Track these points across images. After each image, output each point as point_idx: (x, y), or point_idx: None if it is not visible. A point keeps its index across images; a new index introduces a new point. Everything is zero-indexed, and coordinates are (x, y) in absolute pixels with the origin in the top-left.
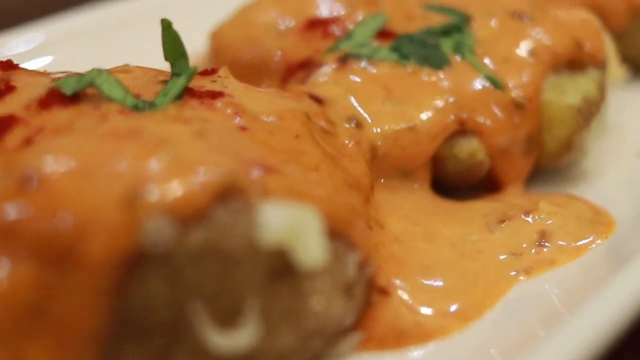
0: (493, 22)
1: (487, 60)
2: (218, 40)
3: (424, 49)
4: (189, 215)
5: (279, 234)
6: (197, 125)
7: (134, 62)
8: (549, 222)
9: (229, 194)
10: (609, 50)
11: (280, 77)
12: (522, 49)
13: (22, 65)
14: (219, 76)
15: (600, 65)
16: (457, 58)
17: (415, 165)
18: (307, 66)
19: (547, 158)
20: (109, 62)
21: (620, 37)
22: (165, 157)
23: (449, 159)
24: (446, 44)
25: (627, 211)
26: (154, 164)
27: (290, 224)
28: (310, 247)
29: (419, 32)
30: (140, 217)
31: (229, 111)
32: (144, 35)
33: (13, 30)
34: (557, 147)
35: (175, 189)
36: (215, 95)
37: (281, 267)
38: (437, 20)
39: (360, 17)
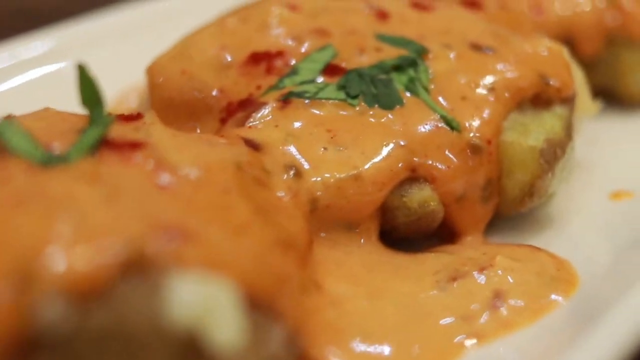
0: (451, 55)
1: (442, 98)
2: (153, 76)
3: (374, 86)
4: (89, 293)
5: (191, 311)
6: (109, 185)
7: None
8: (505, 280)
9: (136, 267)
10: (579, 82)
11: (219, 118)
12: (482, 85)
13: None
14: (144, 122)
15: (568, 100)
16: (410, 96)
17: (361, 216)
18: (247, 106)
19: (508, 204)
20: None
21: (593, 66)
22: (66, 225)
23: (398, 208)
24: (399, 81)
25: (594, 263)
26: (53, 234)
27: (203, 300)
28: (226, 325)
29: (370, 67)
30: (33, 297)
31: (148, 166)
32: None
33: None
34: (519, 192)
35: (75, 263)
36: (136, 146)
37: (193, 350)
38: (391, 53)
39: (308, 50)
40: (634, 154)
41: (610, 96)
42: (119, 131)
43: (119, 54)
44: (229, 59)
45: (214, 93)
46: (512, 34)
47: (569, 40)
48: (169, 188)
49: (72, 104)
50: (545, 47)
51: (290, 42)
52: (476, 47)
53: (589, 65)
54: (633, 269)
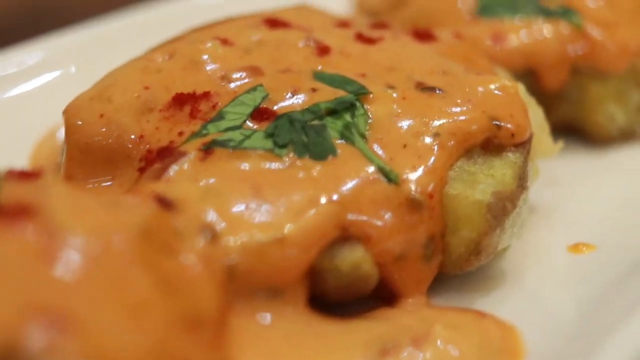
0: (394, 96)
1: (381, 147)
2: (70, 118)
3: (305, 134)
4: None
5: None
6: None
7: None
8: (443, 354)
9: None
10: (538, 122)
11: (138, 167)
12: (426, 131)
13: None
14: (43, 182)
15: (523, 145)
16: (345, 144)
17: (286, 281)
18: (166, 155)
19: (453, 263)
20: None
21: (558, 98)
22: None
23: (328, 272)
24: (333, 127)
25: (551, 324)
26: None
27: None
28: None
29: (303, 111)
30: None
31: (36, 238)
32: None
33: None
34: (464, 250)
35: None
36: (25, 212)
37: None
38: (327, 94)
39: (237, 90)
40: (599, 198)
41: (577, 131)
42: (9, 192)
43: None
44: (152, 101)
45: (133, 139)
46: (464, 71)
47: (532, 71)
48: (58, 264)
49: None
50: (499, 85)
51: (218, 82)
52: (422, 87)
53: (553, 98)
54: (596, 330)
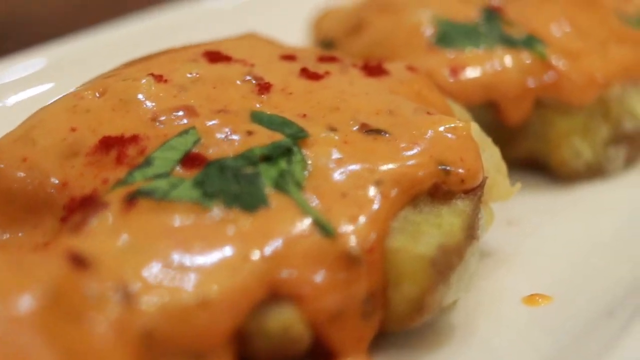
0: (336, 140)
1: (319, 196)
2: None
3: (237, 183)
4: None
5: None
6: None
7: None
8: None
9: None
10: (495, 162)
11: (60, 216)
12: (368, 178)
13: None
14: None
15: (474, 191)
16: (280, 194)
17: (210, 346)
18: (87, 205)
19: (395, 319)
20: None
21: (521, 132)
22: None
23: (257, 334)
24: (268, 175)
25: None
26: None
27: None
28: None
29: (236, 157)
30: None
31: None
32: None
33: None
34: (406, 307)
35: None
36: None
37: None
38: (264, 137)
39: (168, 133)
40: (561, 241)
41: (541, 167)
42: None
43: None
44: (78, 145)
45: (56, 186)
46: (414, 110)
47: (493, 104)
48: None
49: None
50: (450, 127)
51: (149, 124)
52: (366, 130)
53: (516, 132)
54: None
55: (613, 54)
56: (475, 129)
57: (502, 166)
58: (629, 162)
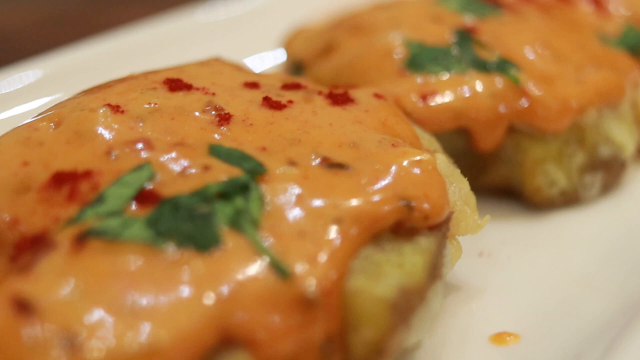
0: (295, 175)
1: (275, 235)
2: None
3: (190, 222)
4: None
5: None
6: None
7: None
8: None
9: None
10: (463, 195)
11: (10, 255)
12: (327, 216)
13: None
14: None
15: (438, 227)
16: (235, 233)
17: None
18: (37, 245)
19: None
20: None
21: (495, 159)
22: None
23: None
24: (223, 213)
25: None
26: None
27: None
28: None
29: (191, 194)
30: None
31: None
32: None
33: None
34: (366, 351)
35: None
36: None
37: None
38: (221, 172)
39: (123, 168)
40: (532, 274)
41: (515, 193)
42: None
43: None
44: (30, 180)
45: (7, 223)
46: (378, 142)
47: (465, 130)
48: None
49: None
50: (414, 160)
51: (103, 158)
52: (327, 164)
53: (489, 158)
54: None
55: (590, 77)
56: (441, 161)
57: (471, 198)
58: (605, 189)
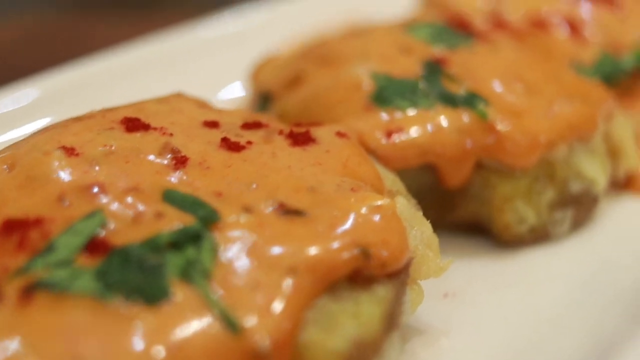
0: (250, 221)
1: (227, 286)
2: None
3: (140, 273)
4: None
5: None
6: None
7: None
8: None
9: None
10: (425, 238)
11: None
12: (281, 266)
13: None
14: None
15: (397, 274)
16: (185, 285)
17: None
18: None
19: None
20: None
21: (462, 194)
22: None
23: None
24: (173, 264)
25: None
26: None
27: None
28: None
29: (142, 243)
30: None
31: None
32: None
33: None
34: None
35: None
36: None
37: None
38: (174, 220)
39: (74, 215)
40: (498, 317)
41: (484, 230)
42: None
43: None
44: None
45: None
46: (337, 186)
47: (433, 167)
48: None
49: None
50: (373, 205)
51: (55, 204)
52: (284, 210)
53: (457, 194)
54: None
55: (560, 111)
56: (402, 204)
57: (433, 241)
58: (576, 225)
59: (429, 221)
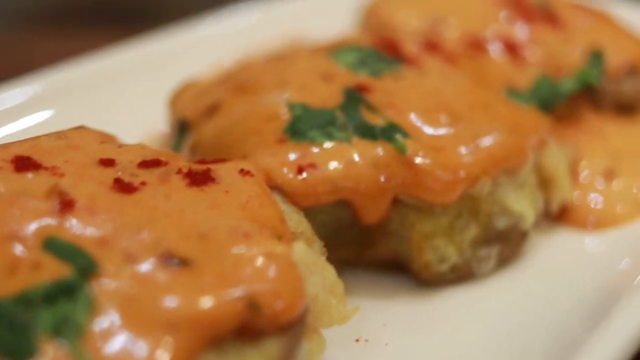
0: (132, 272)
1: (100, 345)
2: None
3: (9, 331)
4: None
5: None
6: None
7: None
8: None
9: None
10: (329, 284)
11: None
12: (160, 322)
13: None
14: None
15: (291, 326)
16: (56, 342)
17: None
18: None
19: None
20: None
21: (381, 231)
22: None
23: None
24: (46, 319)
25: None
26: None
27: None
28: None
29: (16, 297)
30: None
31: None
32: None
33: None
34: None
35: None
36: None
37: None
38: (52, 270)
39: None
40: None
41: (405, 268)
42: None
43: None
44: None
45: None
46: (229, 231)
47: (348, 205)
48: None
49: None
50: (267, 252)
51: None
52: (170, 259)
53: (376, 231)
54: None
55: (486, 143)
56: (301, 250)
57: (337, 287)
58: (503, 261)
59: (353, 257)
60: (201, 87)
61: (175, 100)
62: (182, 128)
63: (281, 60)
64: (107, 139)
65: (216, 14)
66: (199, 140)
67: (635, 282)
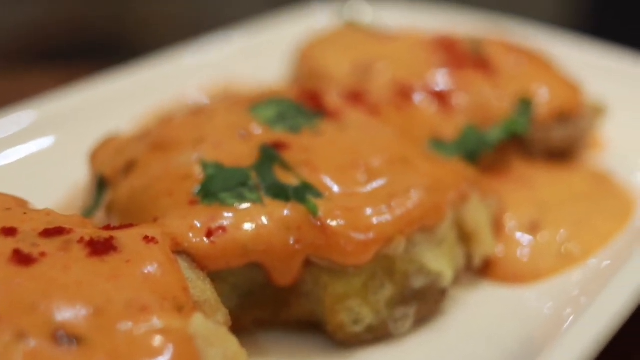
0: (21, 350)
1: None
2: None
3: None
4: None
5: None
6: None
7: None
8: None
9: None
10: (229, 357)
11: None
12: None
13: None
14: None
15: None
16: None
17: None
18: None
19: None
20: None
21: (295, 292)
22: None
23: None
24: None
25: None
26: None
27: None
28: None
29: None
30: None
31: None
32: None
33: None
34: None
35: None
36: None
37: None
38: None
39: None
40: None
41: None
42: None
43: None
44: None
45: None
46: (126, 306)
47: (260, 267)
48: None
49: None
50: (164, 328)
51: None
52: (61, 337)
53: (291, 292)
54: None
55: (401, 202)
56: (200, 323)
57: (240, 358)
58: (421, 320)
59: (269, 319)
60: (121, 142)
61: (95, 155)
62: (101, 185)
63: (200, 115)
64: (14, 204)
65: (152, 58)
66: (113, 201)
67: (561, 328)
